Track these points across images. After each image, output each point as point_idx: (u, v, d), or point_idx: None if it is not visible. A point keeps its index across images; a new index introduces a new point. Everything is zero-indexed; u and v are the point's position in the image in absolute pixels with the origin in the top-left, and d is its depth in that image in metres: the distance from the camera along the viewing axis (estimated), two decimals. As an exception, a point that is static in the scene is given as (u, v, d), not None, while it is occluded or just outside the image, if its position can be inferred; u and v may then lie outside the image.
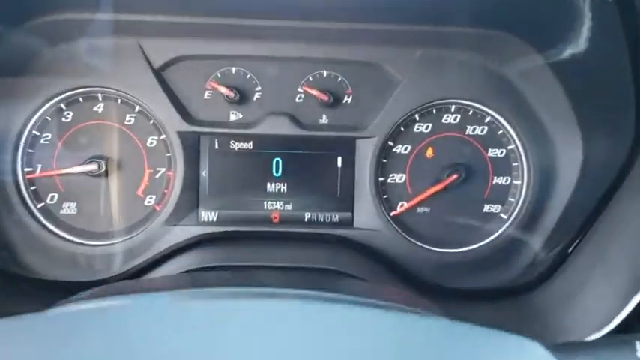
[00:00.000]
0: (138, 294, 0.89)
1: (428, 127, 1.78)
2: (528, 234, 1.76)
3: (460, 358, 0.75)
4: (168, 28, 1.63)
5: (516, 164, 1.78)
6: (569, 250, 1.64)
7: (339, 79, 1.76)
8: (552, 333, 1.48)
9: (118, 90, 1.69)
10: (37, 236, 1.69)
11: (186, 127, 1.69)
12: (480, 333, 0.77)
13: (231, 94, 1.71)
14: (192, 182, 1.73)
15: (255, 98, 1.76)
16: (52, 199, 1.73)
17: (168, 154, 1.73)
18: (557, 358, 0.75)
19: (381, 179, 1.77)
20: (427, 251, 1.77)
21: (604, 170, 1.62)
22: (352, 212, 1.78)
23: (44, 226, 1.71)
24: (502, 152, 1.79)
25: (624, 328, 1.25)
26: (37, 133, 1.71)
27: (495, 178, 1.80)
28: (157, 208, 1.74)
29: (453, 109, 1.77)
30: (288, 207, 1.79)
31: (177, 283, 1.03)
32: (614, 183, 1.56)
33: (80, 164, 1.69)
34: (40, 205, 1.72)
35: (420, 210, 1.80)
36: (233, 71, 1.75)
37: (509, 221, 1.79)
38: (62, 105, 1.71)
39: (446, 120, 1.78)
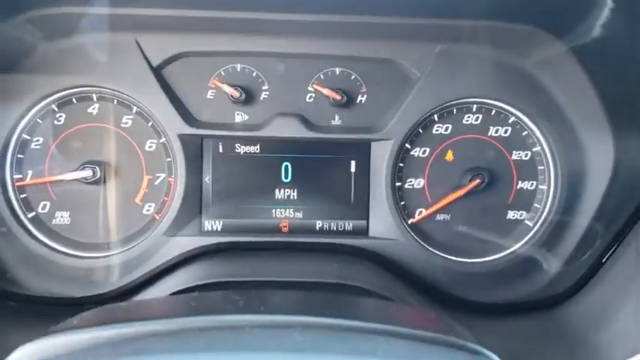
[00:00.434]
0: (129, 327, 0.77)
1: (448, 128, 1.66)
2: (556, 243, 1.65)
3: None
4: (167, 22, 1.51)
5: (542, 167, 1.67)
6: (603, 261, 1.53)
7: (353, 77, 1.64)
8: (582, 354, 1.37)
9: (113, 90, 1.57)
10: (27, 248, 1.57)
11: (187, 130, 1.58)
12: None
13: (236, 94, 1.59)
14: (194, 189, 1.62)
15: (262, 98, 1.64)
16: (43, 208, 1.62)
17: (169, 159, 1.62)
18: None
19: (397, 184, 1.66)
20: (447, 261, 1.66)
21: (638, 175, 1.51)
22: (367, 220, 1.67)
23: (35, 237, 1.59)
24: (527, 155, 1.68)
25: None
26: (27, 137, 1.59)
27: (520, 182, 1.68)
28: (157, 217, 1.63)
29: (474, 109, 1.66)
30: (299, 215, 1.67)
31: (175, 309, 0.91)
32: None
33: (74, 170, 1.58)
34: (30, 215, 1.60)
35: (439, 217, 1.69)
36: (238, 69, 1.63)
37: (535, 229, 1.67)
38: (54, 106, 1.59)
39: (467, 120, 1.66)
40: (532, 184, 1.68)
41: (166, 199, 1.62)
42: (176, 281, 1.40)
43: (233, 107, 1.63)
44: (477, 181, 1.62)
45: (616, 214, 1.54)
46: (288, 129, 1.60)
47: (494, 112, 1.66)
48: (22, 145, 1.58)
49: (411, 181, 1.67)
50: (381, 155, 1.62)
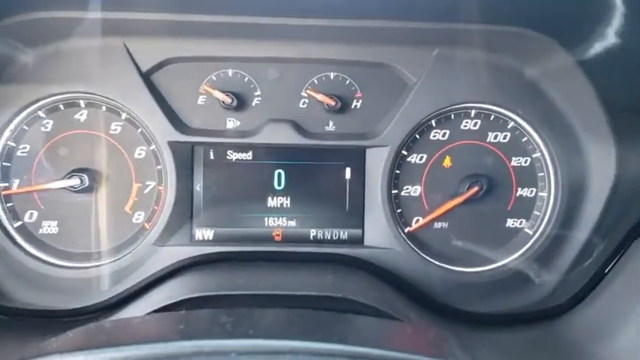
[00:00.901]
0: (110, 352, 0.73)
1: (445, 134, 1.62)
2: (556, 251, 1.61)
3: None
4: (156, 27, 1.47)
5: (542, 174, 1.63)
6: (606, 271, 1.49)
7: (347, 82, 1.60)
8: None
9: (102, 96, 1.53)
10: (13, 258, 1.53)
11: (178, 137, 1.53)
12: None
13: (228, 100, 1.55)
14: (185, 197, 1.58)
15: (254, 104, 1.60)
16: (30, 217, 1.58)
17: (159, 167, 1.58)
18: None
19: (394, 192, 1.62)
20: (445, 271, 1.61)
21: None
22: (362, 229, 1.63)
23: (21, 247, 1.55)
24: (527, 161, 1.63)
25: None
26: (13, 144, 1.55)
27: (519, 189, 1.64)
28: (147, 226, 1.59)
29: (472, 114, 1.61)
30: (292, 223, 1.63)
31: (160, 332, 0.86)
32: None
33: (61, 178, 1.54)
34: (17, 224, 1.56)
35: (437, 225, 1.64)
36: (230, 74, 1.59)
37: (535, 237, 1.63)
38: (41, 113, 1.55)
39: (465, 126, 1.62)
40: (532, 191, 1.64)
41: (156, 207, 1.58)
42: (165, 294, 1.36)
43: (225, 113, 1.59)
44: (476, 188, 1.58)
45: (618, 223, 1.50)
46: (281, 135, 1.56)
47: (492, 117, 1.62)
48: (8, 153, 1.54)
49: (407, 189, 1.63)
50: (377, 162, 1.58)
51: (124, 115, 1.57)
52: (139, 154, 1.58)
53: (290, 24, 1.44)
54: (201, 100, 1.59)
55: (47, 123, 1.56)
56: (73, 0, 1.37)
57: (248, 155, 1.60)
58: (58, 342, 0.85)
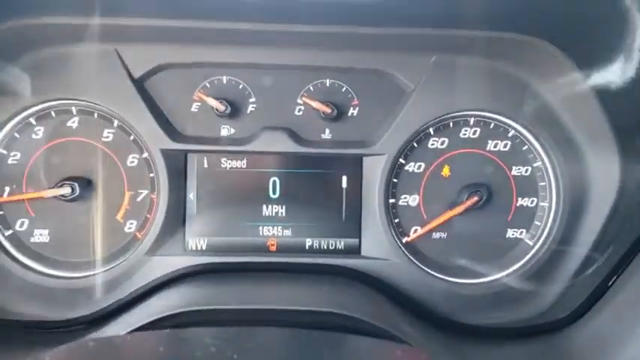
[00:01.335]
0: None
1: (444, 142, 1.58)
2: (557, 263, 1.57)
3: None
4: (149, 32, 1.44)
5: (544, 183, 1.59)
6: (609, 284, 1.45)
7: (344, 89, 1.57)
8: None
9: (93, 103, 1.50)
10: (3, 267, 1.50)
11: (171, 144, 1.51)
12: None
13: (222, 107, 1.52)
14: (178, 206, 1.55)
15: (249, 111, 1.57)
16: (21, 226, 1.55)
17: (151, 175, 1.55)
18: None
19: (391, 201, 1.58)
20: (443, 282, 1.58)
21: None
22: (359, 238, 1.60)
23: (12, 256, 1.53)
24: (527, 170, 1.60)
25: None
26: (4, 152, 1.53)
27: (520, 199, 1.61)
28: (139, 235, 1.56)
29: (472, 122, 1.58)
30: (287, 232, 1.60)
31: (141, 354, 0.83)
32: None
33: (52, 187, 1.51)
34: (7, 233, 1.54)
35: (435, 236, 1.61)
36: (224, 81, 1.56)
37: (536, 248, 1.59)
38: (32, 120, 1.53)
39: (464, 134, 1.58)
40: (532, 200, 1.60)
41: (149, 216, 1.55)
42: (156, 307, 1.33)
43: (219, 121, 1.56)
44: (475, 198, 1.55)
45: (622, 234, 1.46)
46: (276, 143, 1.53)
47: (492, 125, 1.58)
48: (-1, 161, 1.52)
49: (405, 198, 1.59)
50: (374, 171, 1.55)
51: (116, 123, 1.54)
52: (132, 162, 1.55)
53: (285, 30, 1.40)
54: (194, 107, 1.56)
55: (38, 130, 1.53)
56: (64, 6, 1.35)
57: (242, 163, 1.57)
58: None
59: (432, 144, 1.58)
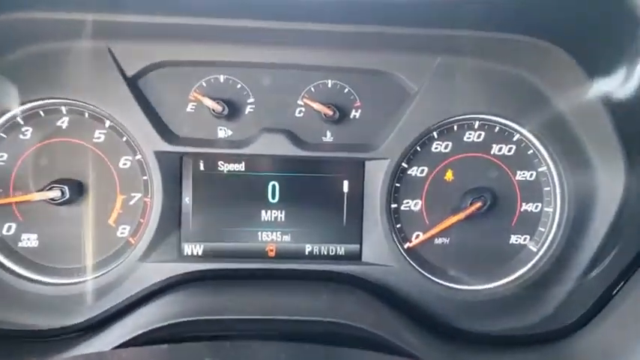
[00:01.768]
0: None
1: (447, 146, 1.54)
2: (562, 270, 1.54)
3: None
4: (143, 29, 1.38)
5: (548, 189, 1.56)
6: (614, 292, 1.42)
7: (346, 91, 1.52)
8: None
9: (84, 102, 1.44)
10: None
11: (165, 146, 1.45)
12: None
13: (219, 108, 1.47)
14: (172, 210, 1.50)
15: (247, 112, 1.52)
16: (8, 230, 1.49)
17: (145, 177, 1.49)
18: None
19: (393, 206, 1.54)
20: (446, 289, 1.55)
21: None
22: (360, 244, 1.56)
23: (-2, 262, 1.46)
24: (532, 175, 1.57)
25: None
26: (-10, 153, 1.46)
27: (524, 204, 1.58)
28: (132, 240, 1.51)
29: (476, 126, 1.54)
30: (286, 238, 1.55)
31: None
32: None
33: (41, 190, 1.45)
34: (-7, 238, 1.48)
35: (437, 241, 1.57)
36: (221, 80, 1.50)
37: (540, 254, 1.57)
38: (19, 119, 1.46)
39: (468, 138, 1.55)
40: (537, 206, 1.58)
41: (142, 220, 1.50)
42: (150, 316, 1.27)
43: (215, 122, 1.51)
44: (479, 204, 1.51)
45: (627, 241, 1.44)
46: (276, 146, 1.48)
47: (497, 129, 1.54)
48: (-15, 162, 1.46)
49: (407, 203, 1.55)
50: (376, 175, 1.51)
51: (107, 123, 1.48)
52: (124, 164, 1.49)
53: (286, 28, 1.35)
54: (190, 107, 1.50)
55: (26, 131, 1.47)
56: (55, 0, 1.28)
57: (240, 166, 1.52)
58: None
59: (436, 148, 1.54)
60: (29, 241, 1.49)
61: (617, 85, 1.33)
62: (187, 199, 1.51)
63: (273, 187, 1.53)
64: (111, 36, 1.42)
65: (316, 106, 1.48)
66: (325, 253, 1.56)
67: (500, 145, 1.55)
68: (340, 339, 1.16)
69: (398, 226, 1.55)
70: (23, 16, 1.31)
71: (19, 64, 1.42)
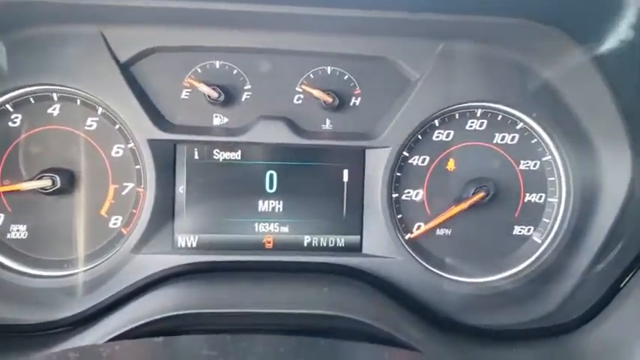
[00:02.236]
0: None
1: (449, 134, 1.51)
2: (567, 262, 1.51)
3: None
4: (137, 13, 1.34)
5: (553, 179, 1.52)
6: (621, 285, 1.38)
7: (346, 78, 1.48)
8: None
9: (76, 89, 1.40)
10: None
11: (159, 134, 1.41)
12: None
13: (215, 94, 1.42)
14: (166, 200, 1.46)
15: (244, 99, 1.48)
16: (-4, 221, 1.44)
17: (138, 167, 1.45)
18: None
19: (394, 196, 1.51)
20: (448, 282, 1.51)
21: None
22: (361, 235, 1.52)
23: (-15, 254, 1.42)
24: (536, 164, 1.53)
25: None
26: (-22, 141, 1.42)
27: (528, 194, 1.54)
28: (124, 231, 1.47)
29: (478, 114, 1.50)
30: (284, 229, 1.51)
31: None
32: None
33: (31, 179, 1.41)
34: (-19, 229, 1.43)
35: (439, 232, 1.54)
36: (217, 66, 1.46)
37: (544, 246, 1.53)
38: (8, 106, 1.42)
39: (470, 126, 1.51)
40: (541, 196, 1.54)
41: (135, 211, 1.46)
42: (141, 310, 1.23)
43: (211, 109, 1.47)
44: (482, 194, 1.48)
45: (634, 232, 1.40)
46: (273, 134, 1.44)
47: (500, 117, 1.51)
48: (-28, 151, 1.41)
49: (408, 193, 1.52)
50: (377, 164, 1.47)
51: (100, 110, 1.44)
52: (117, 153, 1.45)
53: (283, 12, 1.31)
54: (185, 94, 1.46)
55: (16, 118, 1.43)
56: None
57: (237, 155, 1.48)
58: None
59: (437, 136, 1.51)
60: (18, 232, 1.45)
61: (620, 67, 1.31)
62: (181, 189, 1.47)
63: (271, 176, 1.49)
64: (104, 20, 1.38)
65: (315, 92, 1.44)
66: (325, 244, 1.52)
67: (503, 134, 1.52)
68: (340, 332, 1.13)
69: (399, 216, 1.51)
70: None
71: (8, 49, 1.37)
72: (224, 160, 1.48)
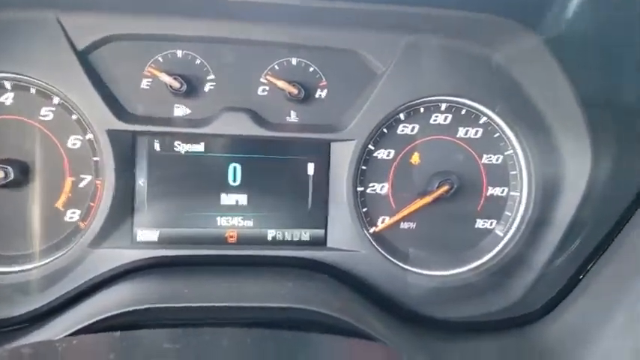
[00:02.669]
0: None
1: (414, 128, 1.51)
2: (528, 255, 1.52)
3: None
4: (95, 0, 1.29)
5: (515, 172, 1.54)
6: (581, 277, 1.42)
7: (312, 70, 1.47)
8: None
9: (31, 77, 1.35)
10: None
11: (118, 125, 1.37)
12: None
13: (176, 84, 1.39)
14: (125, 193, 1.42)
15: (206, 90, 1.44)
16: (-54, 215, 1.37)
17: (96, 158, 1.40)
18: None
19: (359, 189, 1.50)
20: (412, 274, 1.51)
21: (618, 185, 1.40)
22: (325, 229, 1.51)
23: None
24: (498, 158, 1.55)
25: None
26: None
27: (490, 188, 1.56)
28: (82, 225, 1.42)
29: (443, 108, 1.51)
30: (248, 223, 1.49)
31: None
32: (634, 199, 1.35)
33: (-18, 171, 1.34)
34: None
35: (404, 226, 1.54)
36: (179, 55, 1.43)
37: (507, 239, 1.55)
38: (-42, 95, 1.35)
39: (435, 120, 1.52)
40: (503, 190, 1.56)
41: (93, 204, 1.41)
42: (100, 305, 1.19)
43: (172, 99, 1.43)
44: (446, 187, 1.48)
45: (594, 224, 1.43)
46: (237, 126, 1.42)
47: (464, 111, 1.52)
48: None
49: (373, 186, 1.51)
50: (342, 157, 1.46)
51: (56, 100, 1.38)
52: (74, 144, 1.40)
53: (249, 1, 1.28)
54: (145, 83, 1.42)
55: (-34, 107, 1.36)
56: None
57: (199, 147, 1.45)
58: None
59: (402, 130, 1.51)
60: None
61: (577, 57, 1.33)
62: (142, 182, 1.43)
63: (234, 169, 1.46)
64: (60, 6, 1.33)
65: (280, 84, 1.42)
66: (289, 238, 1.50)
67: (466, 128, 1.53)
68: (304, 325, 1.11)
69: (364, 210, 1.51)
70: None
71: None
72: (186, 152, 1.44)
